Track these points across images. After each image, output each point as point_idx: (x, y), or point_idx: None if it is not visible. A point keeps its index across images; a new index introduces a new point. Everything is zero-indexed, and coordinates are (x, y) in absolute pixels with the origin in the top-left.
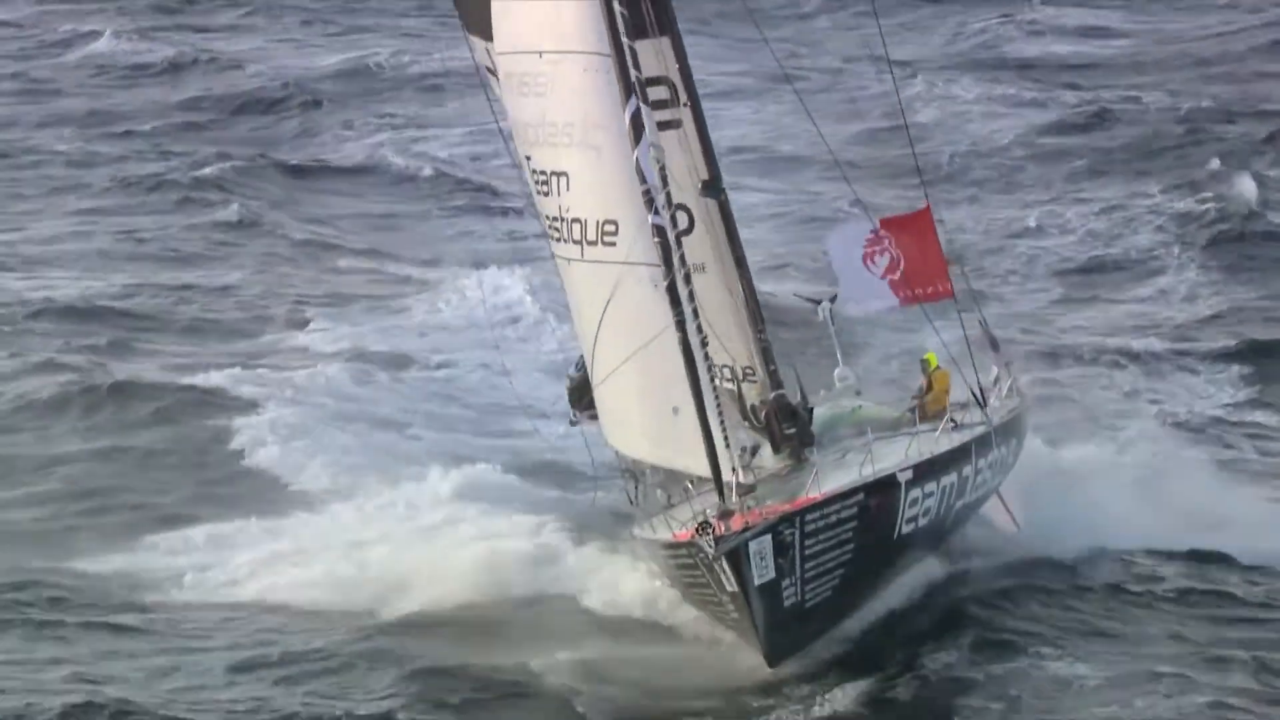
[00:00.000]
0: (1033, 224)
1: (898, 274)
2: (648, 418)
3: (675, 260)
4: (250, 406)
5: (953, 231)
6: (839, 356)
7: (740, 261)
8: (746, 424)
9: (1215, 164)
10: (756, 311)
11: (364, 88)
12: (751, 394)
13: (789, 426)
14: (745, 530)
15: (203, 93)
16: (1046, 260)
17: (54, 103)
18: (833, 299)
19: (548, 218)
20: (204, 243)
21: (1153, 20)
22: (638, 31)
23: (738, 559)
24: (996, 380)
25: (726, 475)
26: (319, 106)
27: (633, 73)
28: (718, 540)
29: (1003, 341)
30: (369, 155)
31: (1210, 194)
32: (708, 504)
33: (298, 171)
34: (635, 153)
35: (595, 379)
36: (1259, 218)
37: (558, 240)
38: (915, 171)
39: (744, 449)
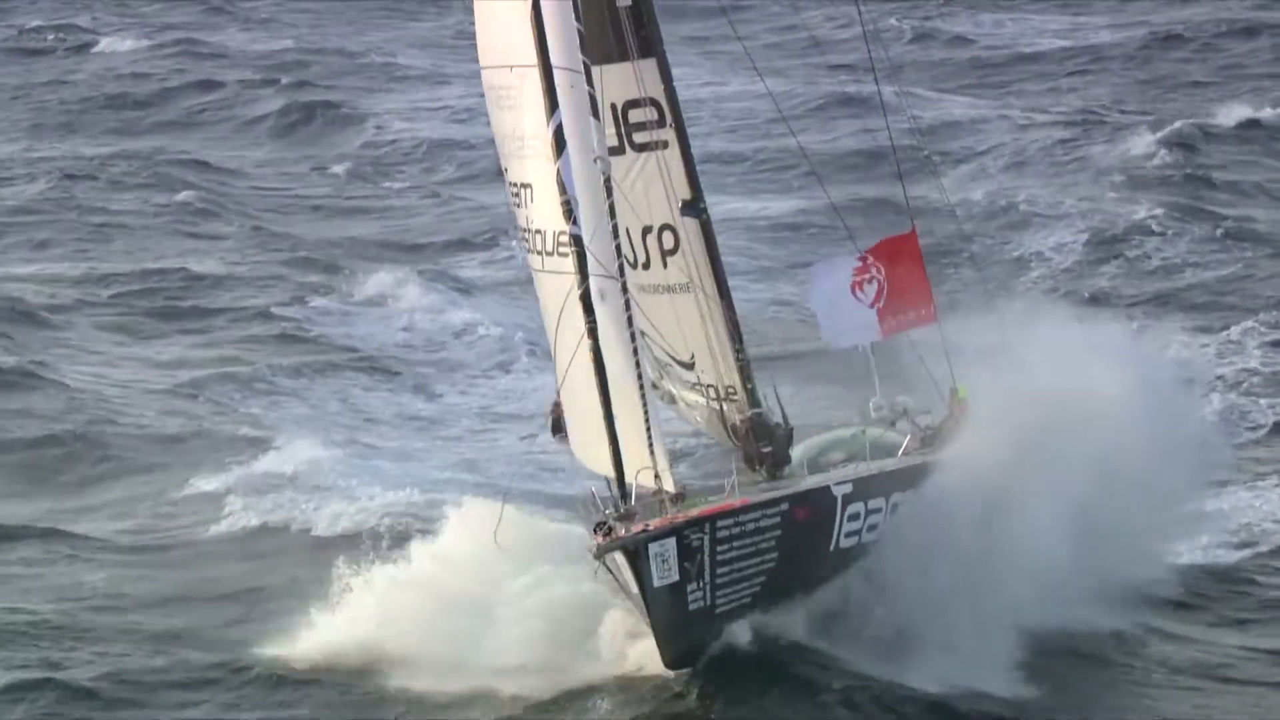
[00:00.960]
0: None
1: (882, 302)
2: (594, 426)
3: (613, 270)
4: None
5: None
6: (876, 386)
7: (720, 279)
8: (731, 443)
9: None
10: (735, 330)
11: (329, 71)
12: (733, 413)
13: (765, 444)
14: (643, 532)
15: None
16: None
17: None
18: None
19: (519, 229)
20: (170, 233)
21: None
22: (620, 54)
23: (635, 560)
24: None
25: (641, 479)
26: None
27: (587, 90)
28: (601, 543)
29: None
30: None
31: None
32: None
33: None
34: (557, 164)
35: (559, 389)
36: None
37: (528, 251)
38: (899, 179)
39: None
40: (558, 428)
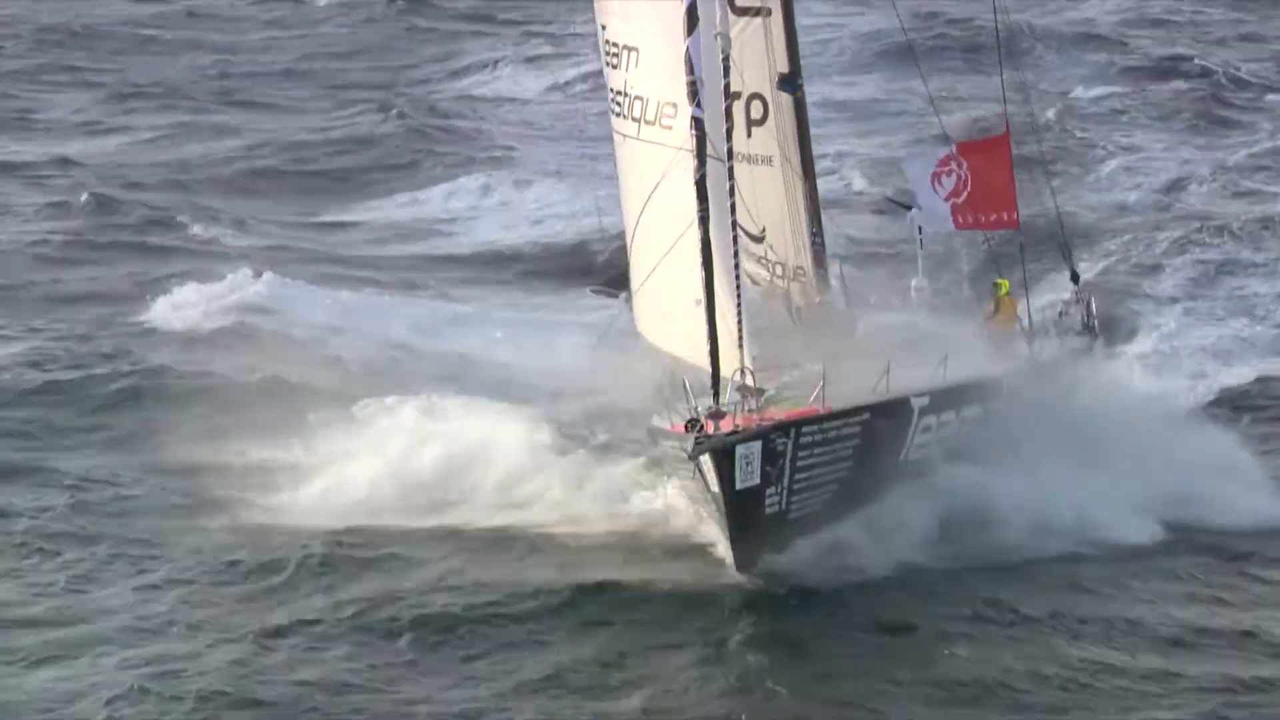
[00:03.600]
0: None
1: (962, 198)
2: (674, 308)
3: (723, 153)
4: None
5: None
6: (919, 266)
7: (806, 159)
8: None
9: None
10: (815, 212)
11: None
12: (797, 294)
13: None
14: (733, 434)
15: None
16: None
17: None
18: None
19: (612, 90)
20: None
21: None
22: None
23: (721, 461)
24: (1062, 314)
25: (732, 374)
26: None
27: None
28: (697, 441)
29: (1083, 275)
30: None
31: None
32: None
33: None
34: (686, 42)
35: (632, 262)
36: None
37: (617, 115)
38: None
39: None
40: None
